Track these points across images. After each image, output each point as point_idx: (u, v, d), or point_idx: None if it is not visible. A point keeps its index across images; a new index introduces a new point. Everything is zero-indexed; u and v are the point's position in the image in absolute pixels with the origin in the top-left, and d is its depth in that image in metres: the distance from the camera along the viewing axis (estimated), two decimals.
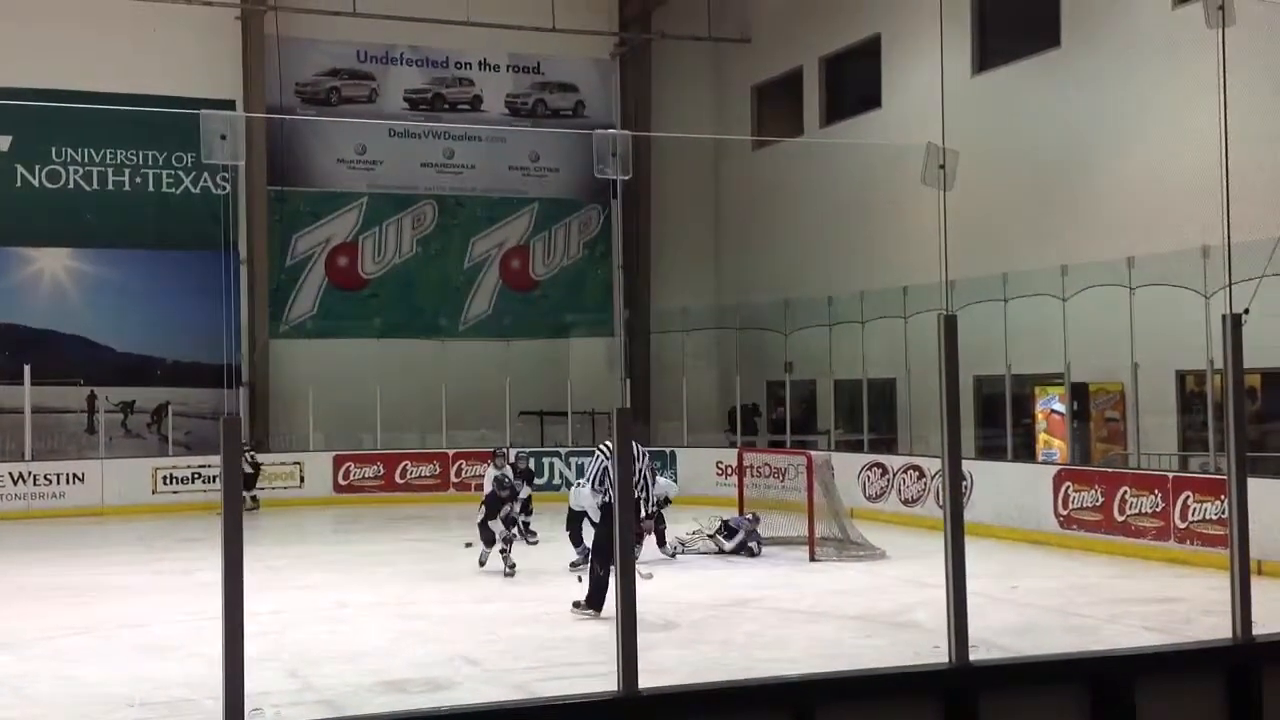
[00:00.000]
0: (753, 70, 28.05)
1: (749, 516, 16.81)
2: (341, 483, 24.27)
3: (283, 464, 24.00)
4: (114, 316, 26.34)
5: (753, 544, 16.19)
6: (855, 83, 25.51)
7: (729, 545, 16.21)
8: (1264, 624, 7.43)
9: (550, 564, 15.84)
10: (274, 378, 26.76)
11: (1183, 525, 14.98)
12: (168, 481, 23.09)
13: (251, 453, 22.23)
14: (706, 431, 24.14)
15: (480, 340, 28.18)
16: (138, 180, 26.69)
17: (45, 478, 22.53)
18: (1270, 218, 15.08)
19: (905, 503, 19.40)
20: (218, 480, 6.17)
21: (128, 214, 26.46)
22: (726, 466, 21.57)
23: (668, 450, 22.92)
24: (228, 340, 24.69)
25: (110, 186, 26.53)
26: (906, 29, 23.19)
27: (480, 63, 28.87)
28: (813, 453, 17.68)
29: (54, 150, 26.19)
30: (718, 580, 14.49)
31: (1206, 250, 15.57)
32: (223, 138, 9.03)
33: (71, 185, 26.31)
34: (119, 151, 26.47)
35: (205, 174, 26.57)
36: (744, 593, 13.50)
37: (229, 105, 25.44)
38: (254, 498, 21.87)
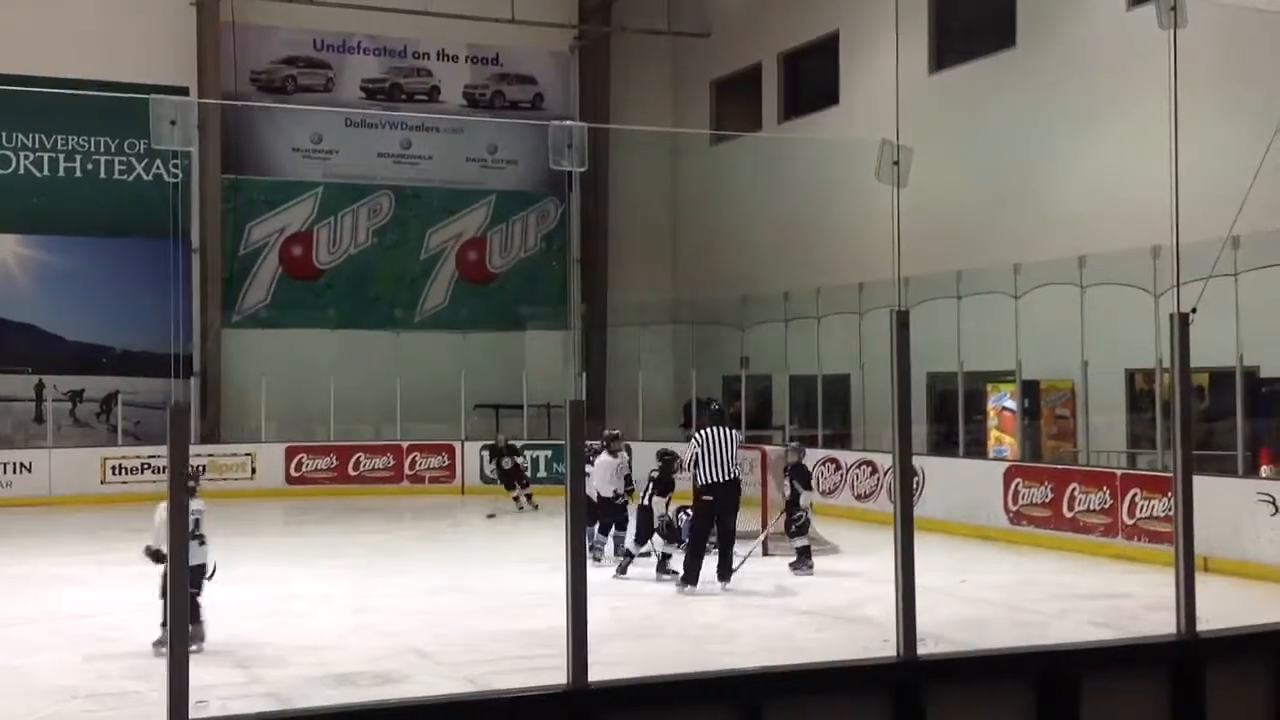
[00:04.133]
0: (712, 65, 28.08)
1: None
2: (294, 474, 24.10)
3: (234, 455, 23.80)
4: (64, 304, 25.98)
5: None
6: (813, 79, 25.61)
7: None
8: (1209, 620, 7.53)
9: (507, 554, 15.88)
10: (226, 368, 26.52)
11: (1130, 522, 15.15)
12: (116, 472, 22.85)
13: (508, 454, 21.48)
14: (661, 426, 24.14)
15: (436, 332, 28.05)
16: (89, 166, 26.36)
17: None
18: (1219, 218, 15.29)
19: (858, 498, 19.51)
20: (166, 470, 6.11)
21: (79, 200, 26.11)
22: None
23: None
24: (175, 329, 24.39)
25: (61, 172, 26.17)
26: (865, 26, 23.29)
27: (439, 53, 28.73)
28: (768, 448, 17.69)
29: (4, 135, 25.82)
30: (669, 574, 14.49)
31: (1157, 250, 15.74)
32: (172, 123, 8.94)
33: (22, 170, 25.92)
34: (70, 137, 26.11)
35: (158, 161, 26.27)
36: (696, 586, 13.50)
37: (183, 91, 25.14)
38: (528, 496, 20.93)
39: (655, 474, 14.47)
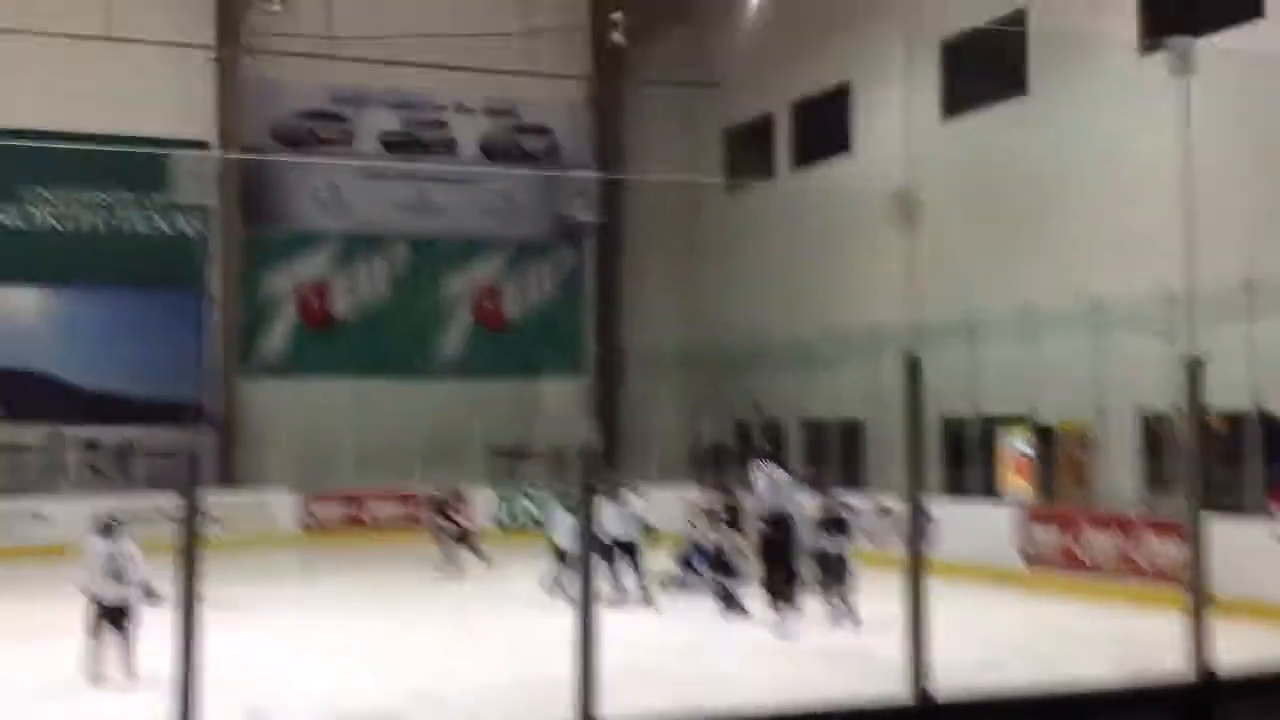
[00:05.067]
0: (724, 114, 28.30)
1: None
2: (309, 522, 24.14)
3: (249, 502, 23.85)
4: (83, 354, 26.20)
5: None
6: (825, 127, 25.74)
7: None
8: (1222, 662, 7.50)
9: (515, 598, 15.87)
10: (243, 416, 26.66)
11: (1144, 564, 15.09)
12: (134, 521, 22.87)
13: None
14: (676, 471, 24.14)
15: (451, 380, 28.14)
16: (111, 220, 26.64)
17: (7, 516, 22.30)
18: (1234, 262, 15.34)
19: (871, 541, 19.40)
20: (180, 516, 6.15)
21: (100, 253, 26.40)
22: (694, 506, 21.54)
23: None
24: (197, 378, 24.53)
25: (84, 226, 26.48)
26: (876, 75, 23.47)
27: (455, 105, 29.02)
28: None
29: (28, 189, 26.14)
30: (684, 615, 14.49)
31: (1171, 295, 15.79)
32: (195, 178, 9.12)
33: (45, 225, 26.24)
34: (93, 191, 26.44)
35: (178, 213, 26.54)
36: (704, 630, 13.51)
37: (203, 145, 25.50)
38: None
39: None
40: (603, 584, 14.77)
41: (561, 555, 15.77)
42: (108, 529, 11.18)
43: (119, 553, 10.83)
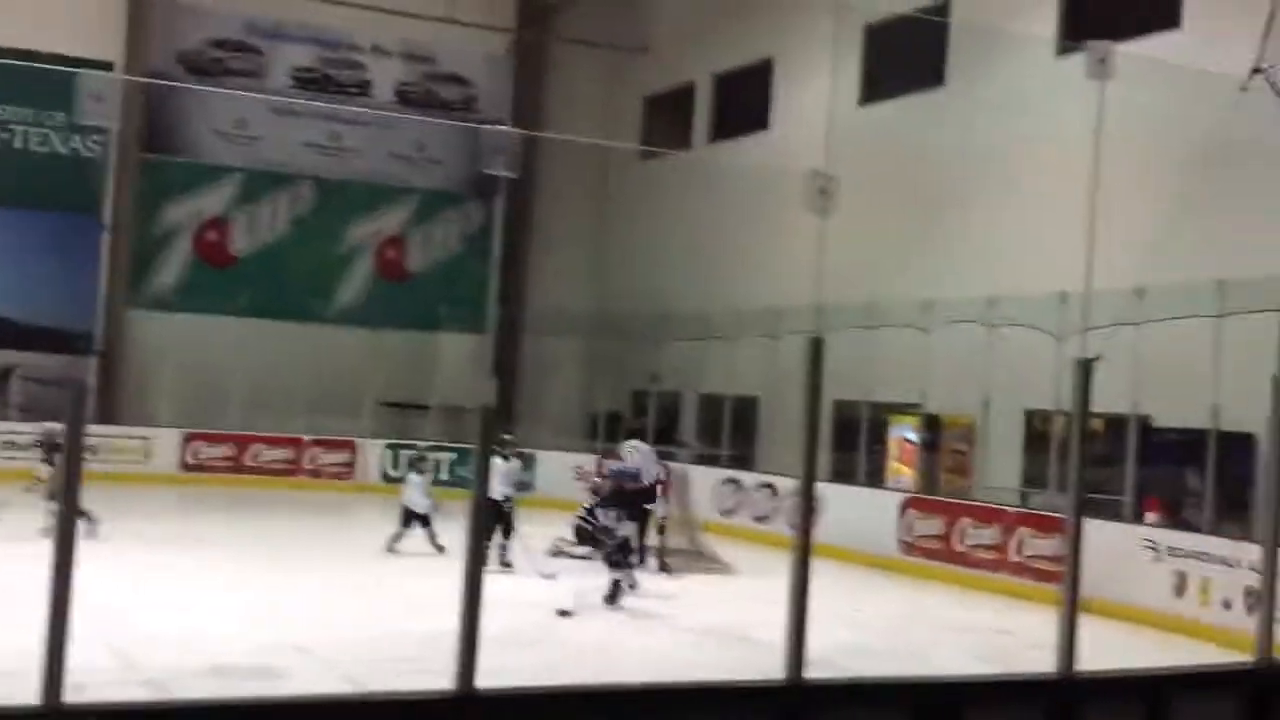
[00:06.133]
0: (646, 80, 28.18)
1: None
2: (190, 461, 23.69)
3: (129, 438, 23.32)
4: None
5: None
6: (745, 102, 25.78)
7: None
8: (1087, 661, 7.69)
9: (401, 555, 15.76)
10: (129, 349, 26.01)
11: (1018, 559, 15.43)
12: (7, 447, 22.28)
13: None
14: (569, 436, 24.11)
15: (348, 327, 27.75)
16: (4, 135, 25.77)
17: None
18: (1128, 267, 15.67)
19: (757, 519, 19.63)
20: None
21: None
22: (586, 471, 21.56)
23: (527, 451, 22.83)
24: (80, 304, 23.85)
25: None
26: (798, 54, 23.53)
27: (372, 47, 28.50)
28: (670, 464, 17.77)
29: None
30: (565, 585, 14.47)
31: (1064, 296, 16.08)
32: (98, 99, 8.78)
33: None
34: None
35: (76, 135, 25.74)
36: (590, 599, 13.49)
37: (108, 66, 24.66)
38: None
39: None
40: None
41: (409, 518, 16.06)
42: None
43: None
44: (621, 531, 13.42)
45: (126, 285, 26.32)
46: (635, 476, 14.91)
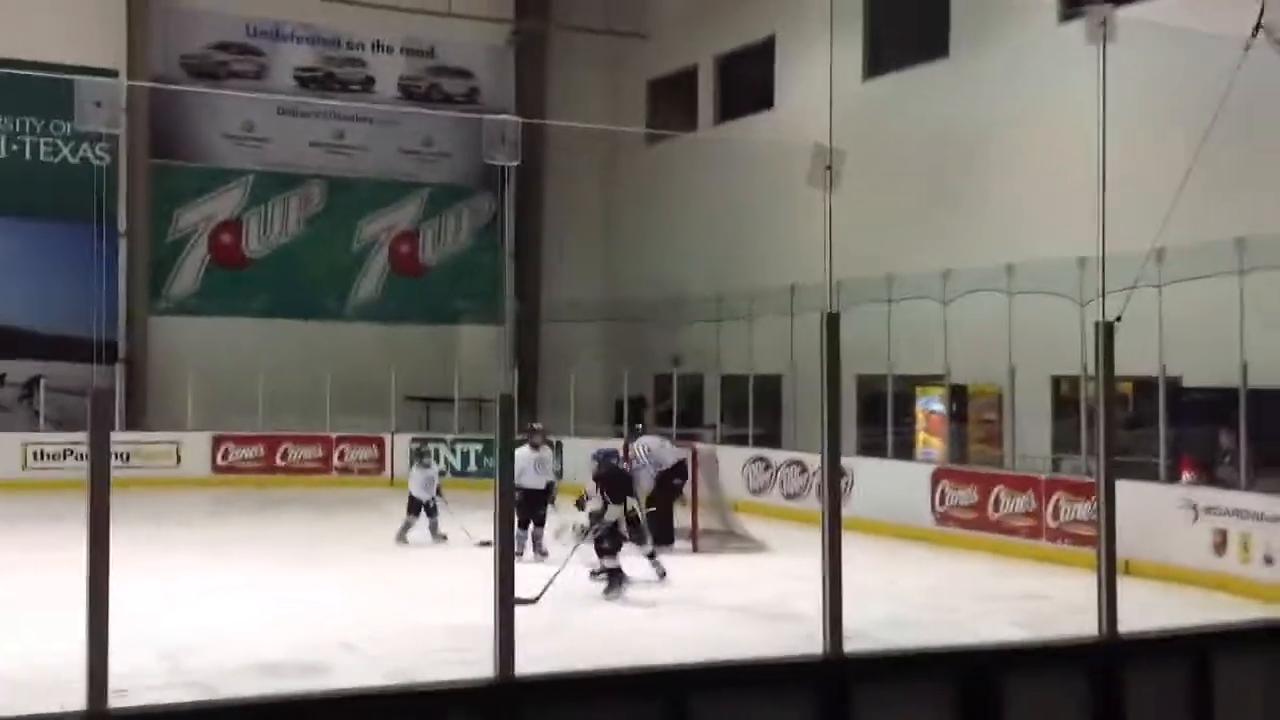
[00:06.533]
0: (648, 65, 28.09)
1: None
2: (220, 463, 23.80)
3: (159, 443, 23.44)
4: None
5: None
6: (748, 82, 25.70)
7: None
8: (1128, 622, 7.66)
9: (436, 547, 15.81)
10: (152, 355, 26.12)
11: (1054, 525, 15.39)
12: (38, 458, 22.42)
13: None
14: (593, 422, 24.11)
15: (366, 324, 27.82)
16: (14, 147, 25.87)
17: None
18: (1146, 230, 15.57)
19: (788, 497, 19.62)
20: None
21: (3, 181, 25.59)
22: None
23: (554, 440, 22.86)
24: (99, 314, 23.91)
25: None
26: (800, 31, 23.41)
27: (373, 44, 28.50)
28: (699, 445, 17.78)
29: None
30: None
31: (1083, 261, 15.99)
32: (98, 105, 8.75)
33: None
34: None
35: (86, 143, 25.81)
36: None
37: (111, 73, 24.72)
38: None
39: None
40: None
41: (415, 506, 16.41)
42: None
43: None
44: (609, 517, 13.10)
45: (146, 291, 26.42)
46: (615, 455, 14.87)
